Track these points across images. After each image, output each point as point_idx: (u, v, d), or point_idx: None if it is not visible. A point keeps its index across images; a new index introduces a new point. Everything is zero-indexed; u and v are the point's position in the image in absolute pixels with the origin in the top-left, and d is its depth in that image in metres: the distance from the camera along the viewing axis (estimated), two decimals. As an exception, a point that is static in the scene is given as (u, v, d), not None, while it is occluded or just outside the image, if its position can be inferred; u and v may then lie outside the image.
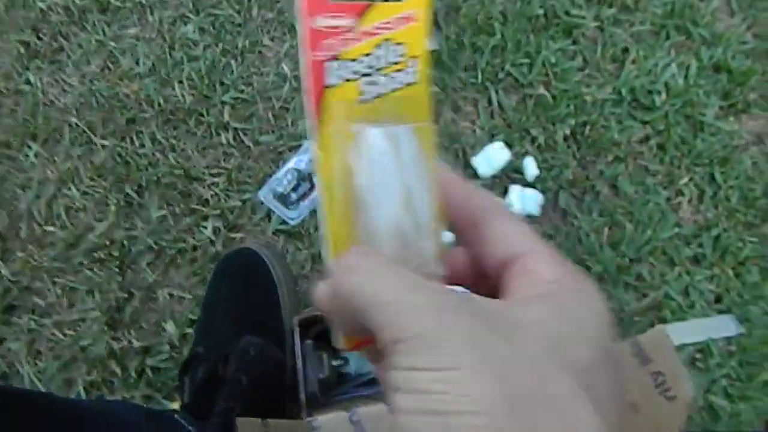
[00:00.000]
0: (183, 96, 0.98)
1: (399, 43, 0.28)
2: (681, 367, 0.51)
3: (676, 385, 0.50)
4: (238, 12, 1.05)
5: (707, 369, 0.90)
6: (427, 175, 0.27)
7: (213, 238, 0.92)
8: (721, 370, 0.90)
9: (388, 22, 0.28)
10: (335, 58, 0.27)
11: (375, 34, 0.27)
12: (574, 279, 0.24)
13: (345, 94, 0.27)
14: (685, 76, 1.09)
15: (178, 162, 0.95)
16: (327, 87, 0.27)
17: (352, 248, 0.25)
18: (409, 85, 0.28)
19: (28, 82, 0.97)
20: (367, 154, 0.27)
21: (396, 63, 0.28)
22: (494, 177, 0.99)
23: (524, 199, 0.95)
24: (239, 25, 1.04)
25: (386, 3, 0.28)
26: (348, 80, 0.27)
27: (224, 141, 0.97)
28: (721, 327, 0.92)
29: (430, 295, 0.21)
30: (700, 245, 0.98)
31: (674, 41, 1.12)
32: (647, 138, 1.05)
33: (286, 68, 1.02)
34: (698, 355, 0.91)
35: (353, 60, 0.27)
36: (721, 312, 0.94)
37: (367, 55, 0.27)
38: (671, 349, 0.53)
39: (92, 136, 0.95)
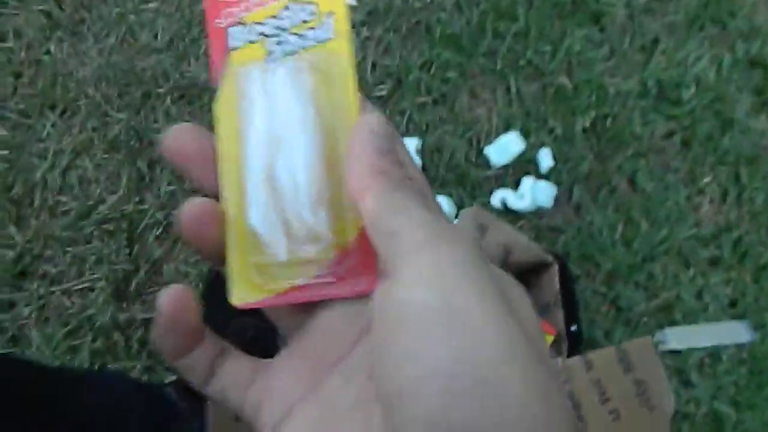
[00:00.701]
0: (198, 72, 0.99)
1: (308, 3, 0.28)
2: (664, 379, 0.50)
3: (658, 396, 0.48)
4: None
5: (715, 375, 0.87)
6: (308, 118, 0.27)
7: (220, 215, 0.93)
8: (730, 377, 0.87)
9: None
10: (238, 23, 0.28)
11: None
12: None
13: (250, 55, 0.28)
14: (718, 70, 1.05)
15: (190, 138, 0.96)
16: (232, 49, 0.28)
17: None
18: (324, 41, 0.27)
19: (48, 52, 0.99)
20: (242, 95, 0.27)
21: (307, 21, 0.27)
22: (507, 167, 0.97)
23: (537, 191, 0.93)
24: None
25: None
26: (252, 42, 0.27)
27: (237, 119, 0.97)
28: (734, 333, 0.89)
29: None
30: (719, 247, 0.95)
31: (708, 33, 1.07)
32: (671, 133, 1.01)
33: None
34: (707, 360, 0.88)
35: (258, 23, 0.28)
36: (735, 317, 0.91)
37: (273, 17, 0.27)
38: (657, 359, 0.51)
39: (108, 109, 0.96)
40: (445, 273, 0.20)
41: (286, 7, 0.28)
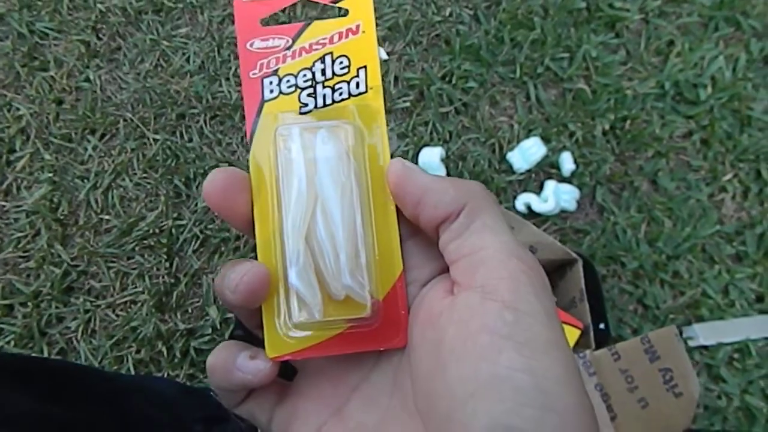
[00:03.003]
0: (229, 92, 1.03)
1: (342, 56, 0.28)
2: (689, 365, 0.52)
3: (684, 382, 0.50)
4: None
5: (745, 369, 0.88)
6: (347, 177, 0.27)
7: (254, 227, 0.96)
8: (759, 370, 0.88)
9: (327, 37, 0.29)
10: (273, 74, 0.28)
11: (314, 49, 0.28)
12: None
13: (284, 107, 0.28)
14: (734, 69, 1.06)
15: (223, 155, 1.00)
16: (266, 101, 0.28)
17: None
18: (357, 95, 0.28)
19: (87, 79, 1.04)
20: (282, 153, 0.27)
21: (340, 75, 0.28)
22: (530, 171, 0.99)
23: (560, 194, 0.96)
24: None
25: (325, 20, 0.29)
26: (286, 94, 0.28)
27: (267, 135, 1.01)
28: (762, 327, 0.90)
29: None
30: (743, 243, 0.96)
31: (723, 33, 1.09)
32: (690, 133, 1.03)
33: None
34: (736, 355, 0.89)
35: (292, 74, 0.28)
36: (762, 312, 0.92)
37: (307, 69, 0.28)
38: (680, 346, 0.53)
39: (145, 131, 1.01)
40: (519, 289, 0.22)
41: (321, 60, 0.28)
